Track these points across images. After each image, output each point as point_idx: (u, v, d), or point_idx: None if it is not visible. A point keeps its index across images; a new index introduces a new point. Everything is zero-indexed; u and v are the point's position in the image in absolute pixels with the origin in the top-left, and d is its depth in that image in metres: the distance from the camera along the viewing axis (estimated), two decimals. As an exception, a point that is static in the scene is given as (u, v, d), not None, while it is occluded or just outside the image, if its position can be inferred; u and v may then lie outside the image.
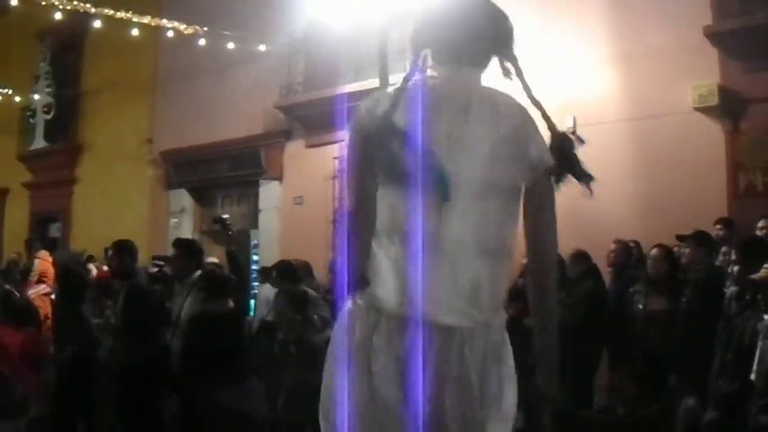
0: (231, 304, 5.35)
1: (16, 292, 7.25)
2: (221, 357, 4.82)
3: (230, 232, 6.60)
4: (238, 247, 9.19)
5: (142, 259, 9.79)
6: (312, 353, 5.56)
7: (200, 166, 11.94)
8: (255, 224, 11.22)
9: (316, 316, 6.55)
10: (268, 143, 10.89)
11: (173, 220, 12.37)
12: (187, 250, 6.07)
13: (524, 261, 2.08)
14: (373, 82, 7.77)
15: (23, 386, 5.28)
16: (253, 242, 11.51)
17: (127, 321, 5.87)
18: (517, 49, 2.08)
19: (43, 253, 9.52)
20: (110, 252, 6.92)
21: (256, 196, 11.21)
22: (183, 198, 12.41)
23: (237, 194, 11.91)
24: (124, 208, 13.14)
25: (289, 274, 6.96)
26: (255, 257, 11.28)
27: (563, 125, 7.31)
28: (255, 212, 11.29)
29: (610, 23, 7.88)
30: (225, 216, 7.86)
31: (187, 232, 12.25)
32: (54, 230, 16.35)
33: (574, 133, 6.89)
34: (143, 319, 5.72)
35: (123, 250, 6.27)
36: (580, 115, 7.64)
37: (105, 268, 9.66)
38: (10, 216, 17.73)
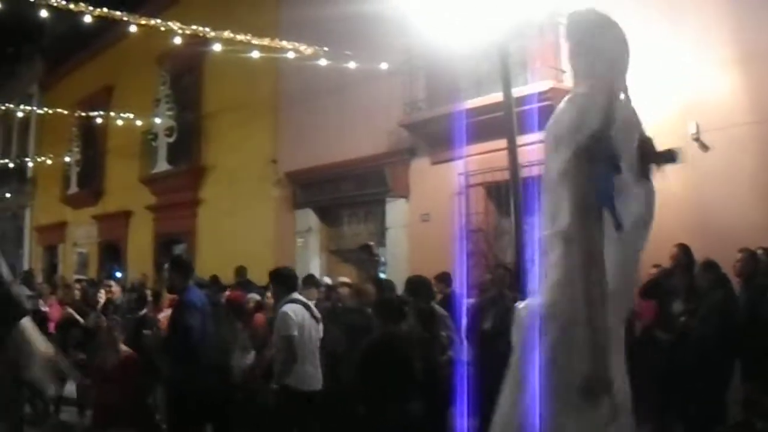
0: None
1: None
2: (405, 375, 5.84)
3: (375, 258, 7.46)
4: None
5: (265, 279, 11.09)
6: (435, 371, 6.46)
7: (326, 185, 13.13)
8: (382, 242, 12.22)
9: (444, 334, 7.36)
10: (392, 161, 11.90)
11: (299, 240, 13.65)
12: (178, 266, 7.18)
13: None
14: (496, 97, 8.60)
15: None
16: (381, 260, 12.55)
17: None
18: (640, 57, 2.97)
19: None
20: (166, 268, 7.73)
21: (383, 214, 12.25)
22: (309, 217, 13.68)
23: (363, 213, 13.03)
24: (250, 229, 14.58)
25: (421, 289, 7.68)
26: (382, 276, 12.32)
27: (686, 131, 8.03)
28: (382, 230, 12.32)
29: (730, 24, 8.09)
30: (371, 243, 8.79)
31: (313, 251, 13.54)
32: (179, 251, 18.03)
33: (697, 139, 7.81)
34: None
35: (175, 267, 7.24)
36: (704, 120, 8.09)
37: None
38: (134, 238, 19.76)
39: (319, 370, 6.90)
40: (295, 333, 6.62)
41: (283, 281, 7.19)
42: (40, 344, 2.33)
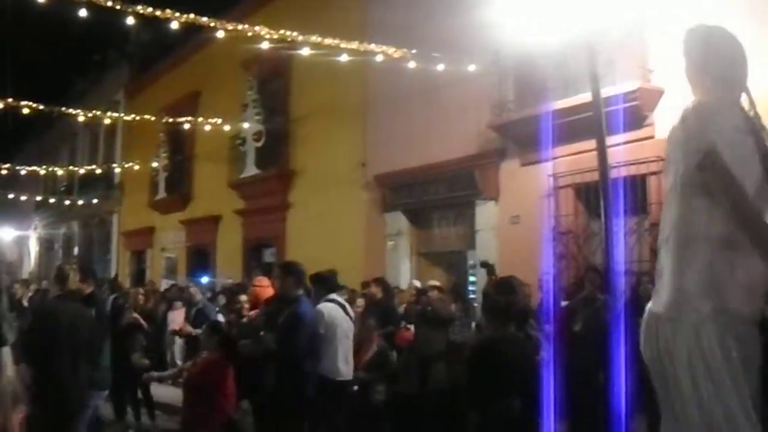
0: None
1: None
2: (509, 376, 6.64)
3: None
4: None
5: (356, 282, 11.98)
6: (532, 372, 7.16)
7: (415, 188, 13.97)
8: (472, 245, 12.99)
9: (534, 335, 8.02)
10: (482, 163, 12.64)
11: (389, 243, 14.52)
12: (291, 273, 7.62)
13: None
14: (584, 97, 9.10)
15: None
16: (470, 263, 13.29)
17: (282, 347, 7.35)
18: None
19: (260, 279, 10.70)
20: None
21: (473, 216, 12.96)
22: (399, 220, 14.55)
23: (453, 215, 13.79)
24: (340, 232, 15.55)
25: (507, 289, 8.47)
26: (472, 278, 13.08)
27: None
28: (471, 233, 13.04)
29: None
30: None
31: (403, 254, 14.39)
32: (268, 256, 19.21)
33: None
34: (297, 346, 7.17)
35: (287, 272, 7.65)
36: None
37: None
38: (222, 243, 21.04)
39: (351, 364, 7.92)
40: (321, 330, 7.64)
41: (322, 283, 8.19)
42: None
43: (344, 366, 7.84)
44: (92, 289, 7.93)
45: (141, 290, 13.67)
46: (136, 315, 11.32)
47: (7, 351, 2.80)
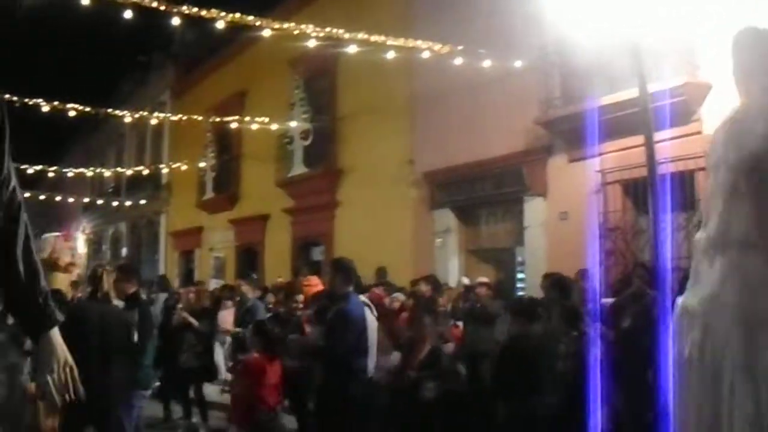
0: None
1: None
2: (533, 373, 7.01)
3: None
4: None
5: (405, 280, 12.33)
6: (580, 367, 7.49)
7: (463, 185, 14.31)
8: (520, 242, 13.31)
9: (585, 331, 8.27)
10: (530, 159, 12.93)
11: (438, 240, 14.89)
12: (341, 269, 7.68)
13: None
14: (631, 93, 9.30)
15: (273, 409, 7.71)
16: (518, 259, 13.59)
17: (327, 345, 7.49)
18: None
19: (309, 279, 11.14)
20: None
21: (521, 213, 13.27)
22: (447, 217, 14.93)
23: (501, 212, 14.14)
24: (388, 230, 15.95)
25: (561, 286, 8.72)
26: (521, 275, 13.38)
27: None
28: (520, 229, 13.36)
29: None
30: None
31: (452, 251, 14.74)
32: (317, 254, 19.69)
33: None
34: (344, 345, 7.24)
35: (336, 269, 7.75)
36: None
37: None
38: (271, 241, 21.59)
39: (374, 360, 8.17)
40: None
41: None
42: (61, 355, 2.68)
43: (372, 364, 8.08)
44: (135, 289, 8.14)
45: (192, 289, 14.06)
46: (185, 314, 11.72)
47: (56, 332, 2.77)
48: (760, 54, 3.26)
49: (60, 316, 2.69)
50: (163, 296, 14.28)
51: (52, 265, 8.21)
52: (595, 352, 7.48)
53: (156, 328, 12.85)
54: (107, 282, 7.53)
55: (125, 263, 26.85)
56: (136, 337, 7.58)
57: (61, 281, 13.41)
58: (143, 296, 9.24)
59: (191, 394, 11.67)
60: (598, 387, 6.74)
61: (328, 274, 8.23)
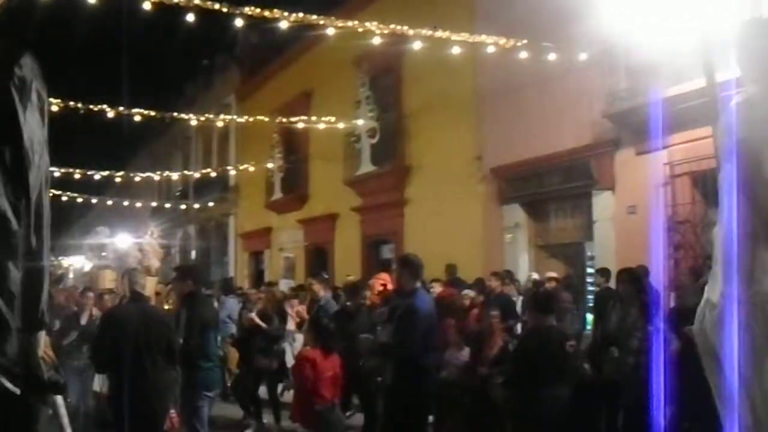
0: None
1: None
2: (551, 363, 7.46)
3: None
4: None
5: (475, 276, 12.79)
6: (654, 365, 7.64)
7: (531, 179, 14.75)
8: (589, 236, 13.71)
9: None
10: (597, 153, 13.31)
11: (507, 236, 15.36)
12: (408, 266, 7.82)
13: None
14: (698, 84, 9.33)
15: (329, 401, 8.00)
16: (588, 254, 13.95)
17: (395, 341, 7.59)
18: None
19: (379, 276, 11.17)
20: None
21: (589, 207, 13.66)
22: (516, 213, 15.41)
23: (570, 206, 14.56)
24: (457, 226, 16.43)
25: (639, 281, 9.09)
26: (590, 269, 13.73)
27: None
28: (589, 224, 13.75)
29: None
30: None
31: (521, 246, 15.21)
32: (386, 252, 20.27)
33: None
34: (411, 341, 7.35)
35: (403, 265, 7.91)
36: None
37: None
38: (340, 241, 22.30)
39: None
40: None
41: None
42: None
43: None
44: (192, 289, 8.49)
45: (260, 291, 14.59)
46: (252, 316, 12.15)
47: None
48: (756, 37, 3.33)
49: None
50: (230, 301, 14.83)
51: (146, 271, 8.73)
52: (665, 349, 7.58)
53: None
54: (144, 284, 7.89)
55: (182, 264, 27.76)
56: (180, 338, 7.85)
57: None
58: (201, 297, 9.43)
59: (264, 394, 12.06)
60: (663, 383, 6.73)
61: (395, 270, 8.41)
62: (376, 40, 12.60)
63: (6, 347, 2.37)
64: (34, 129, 2.48)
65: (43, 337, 2.67)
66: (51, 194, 2.61)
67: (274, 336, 12.28)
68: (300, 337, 13.63)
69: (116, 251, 15.35)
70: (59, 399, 8.01)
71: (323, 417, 7.80)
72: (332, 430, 7.99)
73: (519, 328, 11.16)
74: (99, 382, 9.59)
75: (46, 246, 2.59)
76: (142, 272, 8.41)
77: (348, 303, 11.28)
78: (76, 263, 37.30)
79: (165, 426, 7.67)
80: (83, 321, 11.12)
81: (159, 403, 7.34)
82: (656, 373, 6.84)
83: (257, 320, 11.92)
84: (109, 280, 13.55)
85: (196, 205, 32.39)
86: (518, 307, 11.91)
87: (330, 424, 7.91)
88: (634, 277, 9.20)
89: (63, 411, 8.20)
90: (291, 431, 10.25)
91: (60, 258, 40.28)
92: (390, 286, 9.98)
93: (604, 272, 11.42)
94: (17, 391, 2.38)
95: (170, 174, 29.29)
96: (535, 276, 13.02)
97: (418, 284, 7.85)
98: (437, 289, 12.04)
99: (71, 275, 34.06)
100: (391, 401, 7.84)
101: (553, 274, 12.18)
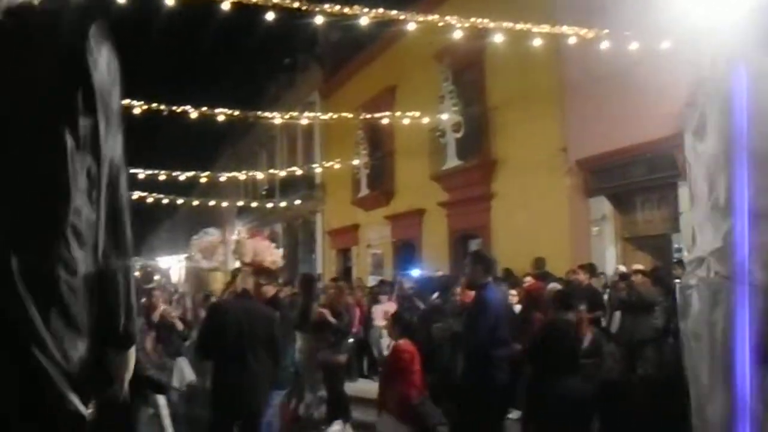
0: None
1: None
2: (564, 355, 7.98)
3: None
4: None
5: (562, 269, 13.22)
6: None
7: (616, 171, 15.12)
8: (676, 228, 13.98)
9: None
10: (682, 143, 13.49)
11: (594, 229, 15.79)
12: (479, 261, 8.26)
13: None
14: None
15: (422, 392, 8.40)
16: (675, 246, 14.27)
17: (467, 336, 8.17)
18: None
19: None
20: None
21: (675, 198, 13.92)
22: (603, 205, 15.84)
23: (656, 198, 14.88)
24: (544, 220, 16.94)
25: None
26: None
27: None
28: (675, 215, 14.01)
29: None
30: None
31: (608, 239, 15.63)
32: (474, 246, 20.75)
33: None
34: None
35: (476, 260, 8.29)
36: None
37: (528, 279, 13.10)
38: (428, 236, 22.99)
39: None
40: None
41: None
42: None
43: None
44: (276, 291, 9.02)
45: (332, 284, 14.83)
46: (321, 310, 12.18)
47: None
48: None
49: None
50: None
51: (258, 269, 9.28)
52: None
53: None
54: (246, 281, 8.48)
55: (266, 266, 28.50)
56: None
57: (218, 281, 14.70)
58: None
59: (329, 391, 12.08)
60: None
61: (467, 265, 8.70)
62: (457, 34, 12.92)
63: (71, 352, 2.14)
64: (111, 99, 2.34)
65: (132, 358, 2.49)
66: (136, 195, 2.49)
67: (343, 332, 12.40)
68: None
69: (222, 251, 16.06)
70: (161, 399, 8.79)
71: (420, 409, 8.09)
72: (428, 421, 8.24)
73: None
74: (178, 378, 10.20)
75: (128, 245, 2.39)
76: (249, 272, 8.93)
77: (436, 300, 11.78)
78: (168, 263, 38.60)
79: (272, 417, 8.27)
80: (155, 318, 11.48)
81: (259, 394, 7.76)
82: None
83: (329, 316, 11.98)
84: (219, 281, 14.23)
85: (283, 204, 33.23)
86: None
87: (426, 416, 8.19)
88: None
89: (165, 411, 8.95)
90: (371, 425, 10.40)
91: (154, 258, 41.72)
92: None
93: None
94: (86, 413, 2.17)
95: (256, 173, 30.11)
96: (622, 269, 13.39)
97: (490, 279, 8.22)
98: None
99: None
100: (463, 392, 8.29)
101: (640, 267, 12.52)
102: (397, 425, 8.17)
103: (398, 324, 8.92)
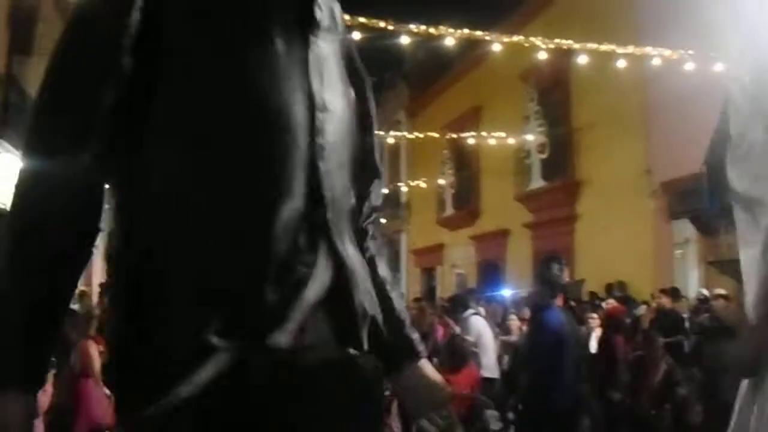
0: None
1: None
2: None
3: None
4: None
5: (645, 293, 13.30)
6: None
7: (700, 194, 15.04)
8: (761, 251, 13.91)
9: None
10: None
11: (677, 252, 15.79)
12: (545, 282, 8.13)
13: None
14: None
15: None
16: (760, 269, 14.20)
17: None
18: None
19: None
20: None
21: (759, 221, 13.88)
22: (686, 228, 15.84)
23: (739, 222, 14.74)
24: (627, 242, 16.99)
25: None
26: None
27: None
28: (757, 239, 13.95)
29: None
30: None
31: (691, 263, 15.66)
32: (555, 269, 20.79)
33: None
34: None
35: (542, 282, 8.07)
36: None
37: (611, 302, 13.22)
38: (512, 257, 23.23)
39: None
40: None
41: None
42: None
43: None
44: None
45: (415, 305, 14.52)
46: None
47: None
48: None
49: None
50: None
51: None
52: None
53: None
54: None
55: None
56: None
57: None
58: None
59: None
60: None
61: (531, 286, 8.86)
62: (542, 55, 13.29)
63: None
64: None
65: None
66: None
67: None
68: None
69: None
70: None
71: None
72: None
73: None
74: None
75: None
76: None
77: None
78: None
79: None
80: None
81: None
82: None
83: None
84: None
85: (368, 222, 33.46)
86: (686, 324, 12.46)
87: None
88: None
89: None
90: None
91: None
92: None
93: None
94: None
95: (342, 191, 30.37)
96: (705, 292, 13.38)
97: (554, 302, 8.01)
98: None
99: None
100: (523, 414, 8.48)
101: (722, 291, 12.52)
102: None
103: (447, 349, 9.32)
